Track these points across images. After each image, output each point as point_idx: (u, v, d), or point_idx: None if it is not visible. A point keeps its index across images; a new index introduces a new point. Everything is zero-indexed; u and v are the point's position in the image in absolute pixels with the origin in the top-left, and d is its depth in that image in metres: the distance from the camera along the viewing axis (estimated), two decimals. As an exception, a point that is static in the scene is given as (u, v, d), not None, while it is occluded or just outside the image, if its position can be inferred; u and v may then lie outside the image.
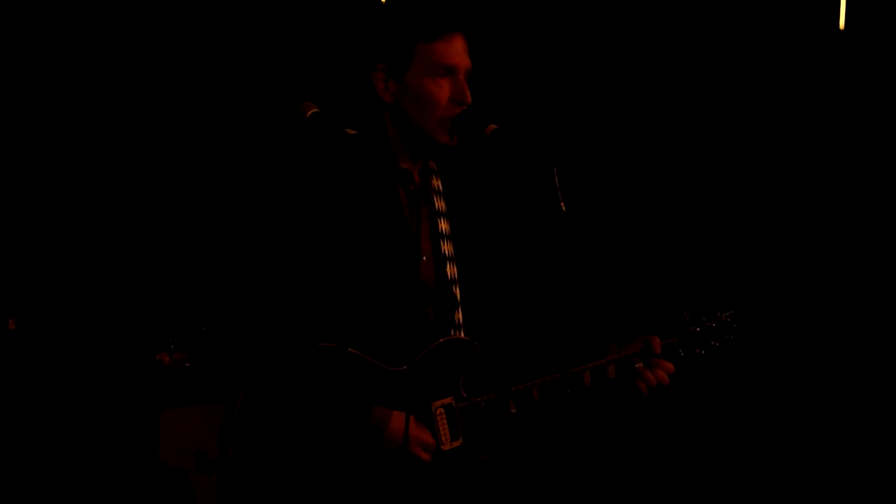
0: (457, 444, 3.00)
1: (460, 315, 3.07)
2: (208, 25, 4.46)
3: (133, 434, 4.16)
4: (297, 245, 2.90)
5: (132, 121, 4.42)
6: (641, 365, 3.11)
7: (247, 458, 2.85)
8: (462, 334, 3.05)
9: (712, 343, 3.18)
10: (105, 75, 4.39)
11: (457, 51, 2.97)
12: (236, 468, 2.85)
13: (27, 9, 4.29)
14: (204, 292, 4.13)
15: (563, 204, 2.90)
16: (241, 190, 3.97)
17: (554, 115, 4.60)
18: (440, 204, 3.11)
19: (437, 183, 3.12)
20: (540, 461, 4.37)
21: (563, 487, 4.45)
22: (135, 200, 4.41)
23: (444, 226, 3.10)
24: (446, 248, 3.09)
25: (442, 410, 3.00)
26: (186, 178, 4.44)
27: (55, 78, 4.35)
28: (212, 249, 4.27)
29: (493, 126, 3.01)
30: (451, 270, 3.08)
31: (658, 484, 4.57)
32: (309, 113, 2.95)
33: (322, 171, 2.97)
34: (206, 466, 3.78)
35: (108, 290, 4.36)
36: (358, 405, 2.89)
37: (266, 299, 2.89)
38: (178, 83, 4.45)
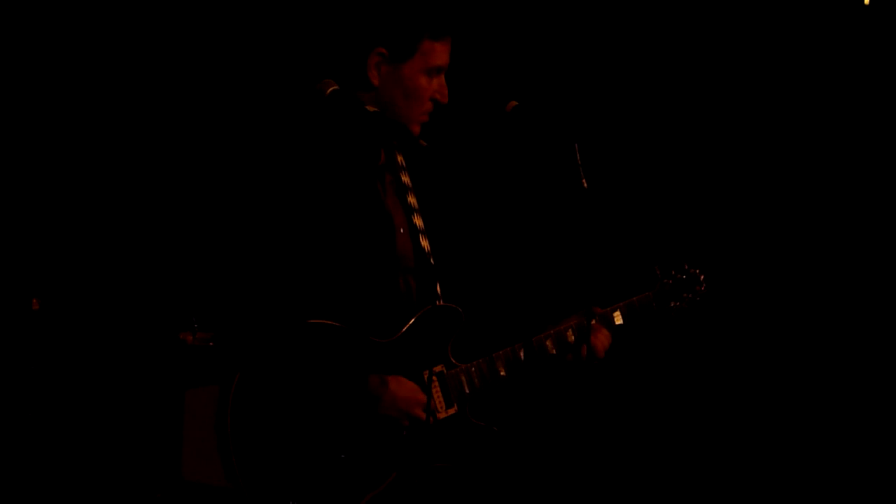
0: (452, 411, 3.06)
1: (439, 286, 3.12)
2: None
3: (157, 413, 4.17)
4: (285, 224, 2.93)
5: (147, 114, 4.42)
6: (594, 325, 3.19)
7: (247, 438, 2.87)
8: (442, 303, 3.10)
9: (685, 295, 3.29)
10: (119, 71, 4.39)
11: (448, 52, 3.09)
12: (237, 448, 2.87)
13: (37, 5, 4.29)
14: (219, 272, 4.13)
15: (584, 181, 2.93)
16: (242, 170, 3.98)
17: (574, 92, 4.58)
18: (405, 179, 3.19)
19: (401, 159, 3.20)
20: (535, 424, 4.39)
21: (560, 450, 4.47)
22: (159, 183, 4.42)
23: (412, 200, 3.17)
24: (417, 221, 3.16)
25: (434, 378, 3.03)
26: (210, 160, 4.44)
27: (87, 58, 4.35)
28: (224, 230, 4.27)
29: (515, 102, 3.06)
30: (424, 243, 3.13)
31: (652, 450, 4.58)
32: (329, 90, 2.98)
33: (322, 151, 3.00)
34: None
35: (131, 270, 4.37)
36: (352, 376, 2.93)
37: (255, 279, 2.92)
38: (181, 67, 4.44)
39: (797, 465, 4.55)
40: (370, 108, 3.03)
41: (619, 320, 3.23)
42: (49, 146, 4.33)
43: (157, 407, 4.17)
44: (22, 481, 4.13)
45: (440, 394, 3.05)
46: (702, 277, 3.30)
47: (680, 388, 4.61)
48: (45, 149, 4.32)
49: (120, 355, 4.28)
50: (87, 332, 4.28)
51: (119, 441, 4.22)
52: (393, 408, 2.94)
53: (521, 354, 3.11)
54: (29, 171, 4.30)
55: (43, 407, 4.18)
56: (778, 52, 4.61)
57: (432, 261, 3.13)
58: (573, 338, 3.17)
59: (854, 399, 4.57)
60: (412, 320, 3.02)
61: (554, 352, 3.14)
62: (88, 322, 4.30)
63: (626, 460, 4.56)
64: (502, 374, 3.10)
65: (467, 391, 3.07)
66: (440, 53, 3.05)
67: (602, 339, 3.19)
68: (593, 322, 3.19)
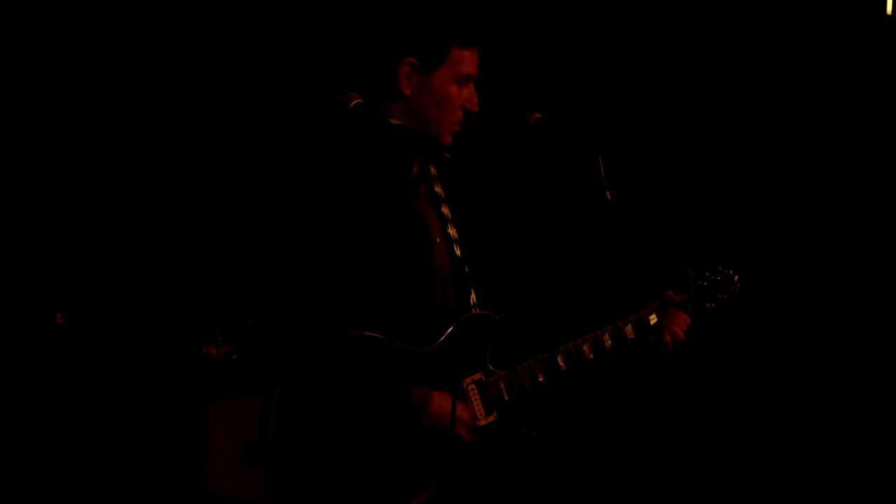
0: (491, 418, 3.06)
1: (474, 295, 3.14)
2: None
3: (181, 427, 4.19)
4: (326, 236, 2.95)
5: (177, 132, 4.45)
6: (656, 320, 3.19)
7: (289, 449, 2.89)
8: (478, 311, 3.12)
9: (720, 296, 3.28)
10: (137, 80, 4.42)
11: (477, 61, 3.10)
12: (280, 459, 2.89)
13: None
14: (248, 284, 4.15)
15: (608, 192, 2.95)
16: (275, 183, 4.03)
17: (599, 103, 4.58)
18: (438, 189, 3.20)
19: (434, 170, 3.21)
20: (575, 429, 4.39)
21: (600, 455, 4.47)
22: (182, 195, 4.44)
23: (445, 210, 3.18)
24: (451, 231, 3.17)
25: (473, 387, 3.06)
26: (235, 170, 4.46)
27: (114, 73, 4.38)
28: (253, 243, 4.30)
29: (538, 115, 3.08)
30: (458, 252, 3.16)
31: (691, 452, 4.58)
32: (353, 103, 3.01)
33: (356, 162, 3.02)
34: (254, 458, 3.80)
35: (154, 284, 4.39)
36: (395, 388, 2.94)
37: (299, 291, 2.93)
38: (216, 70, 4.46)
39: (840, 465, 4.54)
40: (394, 121, 3.04)
41: (654, 322, 3.22)
42: (76, 163, 4.36)
43: (182, 420, 4.18)
44: (46, 494, 4.15)
45: (479, 402, 3.06)
46: (736, 278, 3.29)
47: (714, 390, 4.59)
48: (72, 165, 4.35)
49: (144, 369, 4.30)
50: (111, 346, 4.30)
51: (144, 454, 4.23)
52: (436, 423, 2.95)
53: (559, 360, 3.12)
54: (55, 187, 4.33)
55: (68, 420, 4.20)
56: (804, 59, 4.60)
57: (467, 269, 3.14)
58: (632, 333, 3.17)
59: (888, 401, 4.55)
60: (450, 329, 3.03)
61: (591, 355, 3.14)
62: (112, 336, 4.32)
63: (663, 465, 4.55)
64: (540, 379, 3.10)
65: (507, 398, 3.07)
66: (469, 62, 3.06)
67: (678, 322, 3.19)
68: (669, 308, 3.18)
